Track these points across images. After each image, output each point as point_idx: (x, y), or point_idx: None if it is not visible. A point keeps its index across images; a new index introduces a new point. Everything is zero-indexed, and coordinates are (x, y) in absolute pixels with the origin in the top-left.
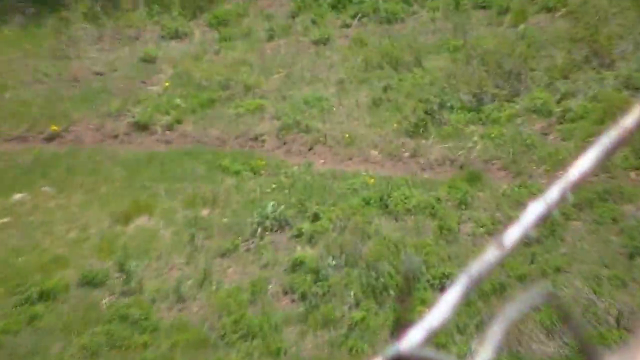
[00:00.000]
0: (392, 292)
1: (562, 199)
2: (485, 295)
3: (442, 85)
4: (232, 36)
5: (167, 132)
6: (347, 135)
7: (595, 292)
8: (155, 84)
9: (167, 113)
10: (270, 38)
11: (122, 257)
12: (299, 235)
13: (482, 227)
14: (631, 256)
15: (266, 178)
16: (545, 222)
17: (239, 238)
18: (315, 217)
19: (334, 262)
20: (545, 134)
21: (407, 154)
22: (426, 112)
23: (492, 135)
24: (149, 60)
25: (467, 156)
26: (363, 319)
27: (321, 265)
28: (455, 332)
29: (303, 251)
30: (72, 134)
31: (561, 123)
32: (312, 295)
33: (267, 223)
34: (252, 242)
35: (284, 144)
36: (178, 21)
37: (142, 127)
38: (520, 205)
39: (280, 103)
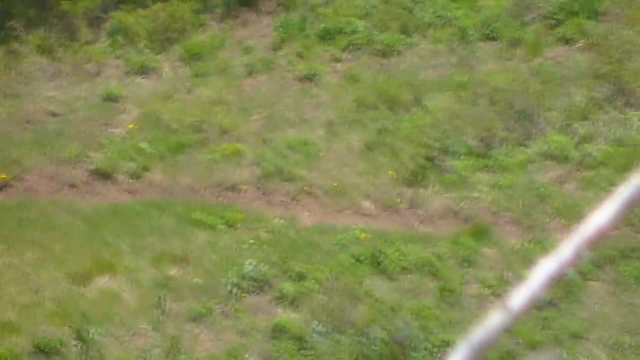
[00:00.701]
0: None
1: (579, 256)
2: None
3: (445, 127)
4: (206, 72)
5: (132, 181)
6: (337, 185)
7: None
8: (119, 126)
9: (133, 159)
10: (250, 74)
11: (81, 322)
12: (281, 297)
13: (488, 288)
14: None
15: (244, 233)
16: (560, 282)
17: (213, 301)
18: (300, 277)
19: (320, 328)
20: (562, 183)
21: (404, 206)
22: (427, 159)
23: (502, 184)
24: (111, 99)
25: (473, 208)
26: None
27: (306, 332)
28: None
29: (286, 315)
30: (24, 184)
31: (579, 170)
32: None
33: (245, 284)
34: (228, 306)
35: (265, 194)
36: (145, 55)
37: (103, 175)
38: (532, 263)
39: (260, 148)
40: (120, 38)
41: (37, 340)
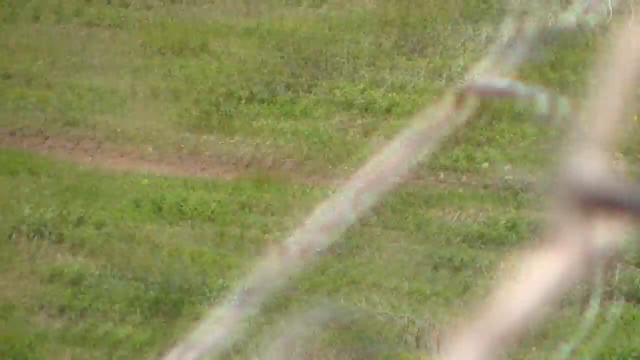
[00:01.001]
0: (162, 306)
1: (359, 202)
2: (267, 311)
3: (231, 72)
4: (14, 17)
5: None
6: (119, 130)
7: (393, 308)
8: None
9: None
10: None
11: None
12: (60, 241)
13: (267, 233)
14: (436, 267)
15: (23, 177)
16: (339, 228)
17: None
18: (79, 222)
19: (97, 272)
20: (345, 129)
21: (186, 151)
22: (211, 104)
23: (285, 130)
24: None
25: (255, 154)
26: (128, 336)
27: (83, 276)
28: (232, 353)
29: (63, 260)
30: None
31: (363, 117)
32: (71, 310)
33: (23, 228)
34: (5, 250)
35: (46, 138)
36: None
37: None
38: (312, 208)
39: (44, 91)
40: None
41: None
